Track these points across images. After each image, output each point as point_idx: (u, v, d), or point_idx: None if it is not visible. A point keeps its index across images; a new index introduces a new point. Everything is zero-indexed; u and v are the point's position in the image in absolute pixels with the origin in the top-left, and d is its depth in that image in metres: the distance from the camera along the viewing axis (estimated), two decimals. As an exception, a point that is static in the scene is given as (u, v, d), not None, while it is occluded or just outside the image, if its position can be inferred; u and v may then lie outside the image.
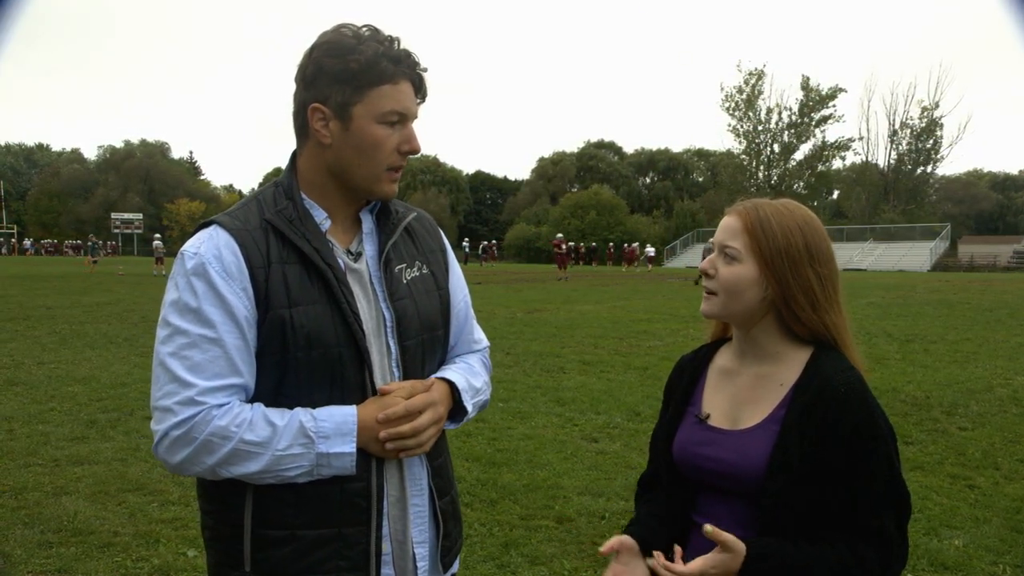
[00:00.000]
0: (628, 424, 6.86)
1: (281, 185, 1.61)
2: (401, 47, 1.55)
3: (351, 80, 1.50)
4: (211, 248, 1.49)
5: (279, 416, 1.47)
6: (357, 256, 1.61)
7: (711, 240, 1.68)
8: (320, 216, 1.58)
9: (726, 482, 1.58)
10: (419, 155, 1.69)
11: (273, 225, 1.53)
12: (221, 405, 1.44)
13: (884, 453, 1.49)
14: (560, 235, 39.31)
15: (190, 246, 1.51)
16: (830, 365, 1.55)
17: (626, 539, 1.61)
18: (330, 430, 1.47)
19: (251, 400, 1.51)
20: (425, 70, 1.60)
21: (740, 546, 1.48)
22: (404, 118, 1.56)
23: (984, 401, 7.89)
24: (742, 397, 1.63)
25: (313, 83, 1.53)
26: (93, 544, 4.21)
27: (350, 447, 1.47)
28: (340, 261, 1.57)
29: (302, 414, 1.47)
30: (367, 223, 1.66)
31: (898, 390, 8.34)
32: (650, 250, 49.84)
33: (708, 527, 1.50)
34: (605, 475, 5.43)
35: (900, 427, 6.66)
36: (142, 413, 7.05)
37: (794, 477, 1.48)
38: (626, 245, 54.36)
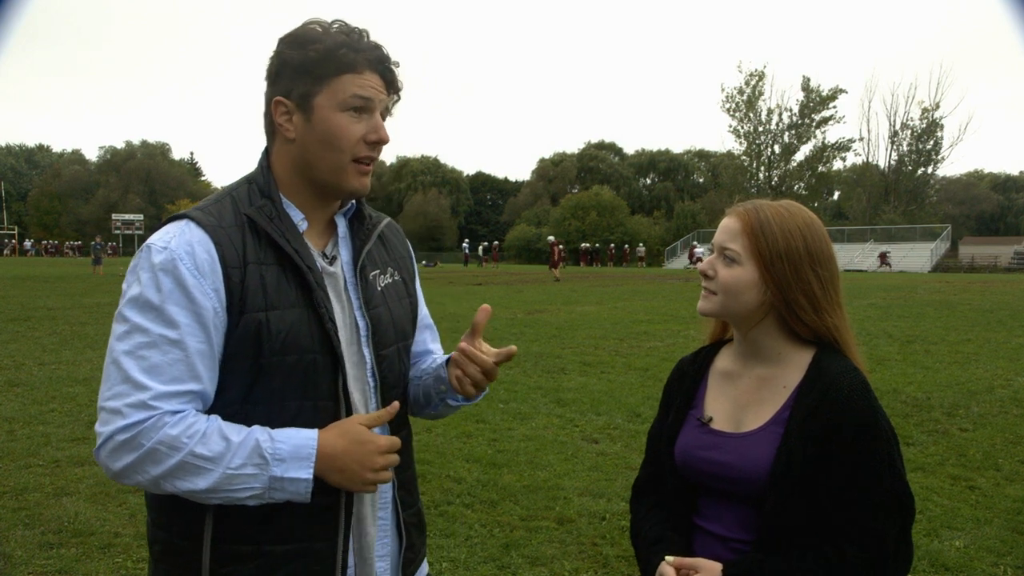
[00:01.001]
0: (629, 425, 6.85)
1: (256, 183, 1.53)
2: (368, 39, 1.50)
3: (312, 70, 1.45)
4: (183, 243, 1.39)
5: (235, 432, 1.37)
6: (332, 259, 1.56)
7: (711, 242, 1.68)
8: (297, 217, 1.52)
9: (729, 485, 1.57)
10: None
11: (252, 221, 1.46)
12: (175, 412, 1.35)
13: (887, 455, 1.49)
14: (552, 237, 40.01)
15: (158, 239, 1.42)
16: (833, 367, 1.54)
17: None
18: (286, 453, 1.37)
19: (214, 407, 1.43)
20: (396, 65, 1.53)
21: (712, 567, 1.50)
22: (369, 104, 1.48)
23: (985, 402, 7.86)
24: (745, 400, 1.62)
25: (277, 77, 1.49)
26: (94, 545, 4.21)
27: (307, 473, 1.38)
28: (318, 264, 1.51)
29: (259, 433, 1.38)
30: (341, 227, 1.61)
31: (899, 391, 8.33)
32: (700, 250, 50.37)
33: (670, 558, 1.53)
34: (606, 476, 5.43)
35: (901, 428, 6.64)
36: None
37: (797, 480, 1.47)
38: (694, 245, 55.47)
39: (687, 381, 1.74)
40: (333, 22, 1.50)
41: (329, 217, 1.59)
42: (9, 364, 9.70)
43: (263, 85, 1.53)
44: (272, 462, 1.36)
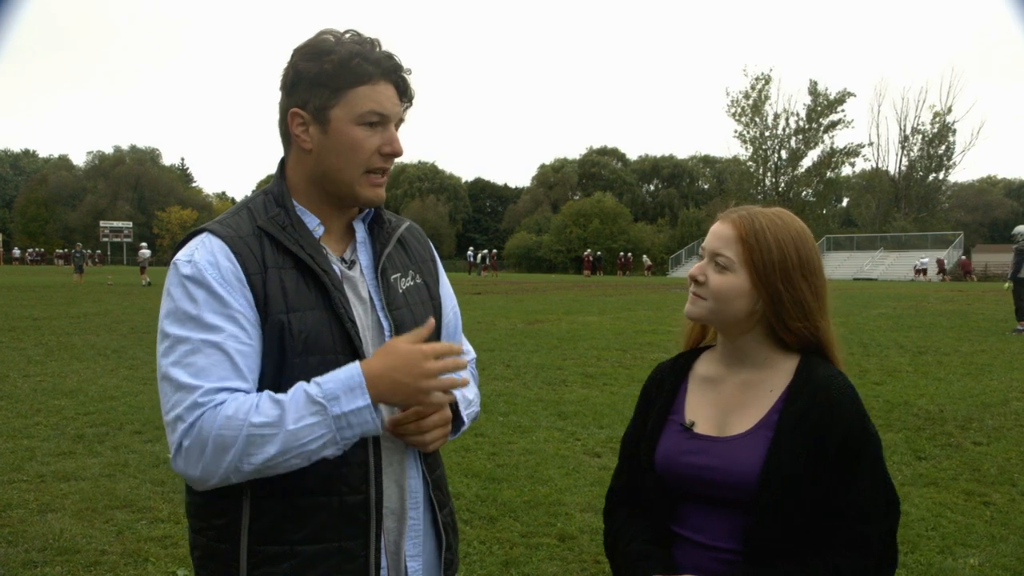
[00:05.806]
0: (632, 437, 6.74)
1: (271, 193, 1.60)
2: (381, 49, 1.54)
3: (328, 82, 1.50)
4: (205, 254, 1.47)
5: (283, 395, 1.42)
6: (351, 264, 1.62)
7: (703, 246, 1.67)
8: (313, 223, 1.58)
9: (715, 491, 1.56)
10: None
11: (267, 232, 1.52)
12: (223, 401, 1.41)
13: (875, 457, 1.52)
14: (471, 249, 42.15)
15: (182, 255, 1.49)
16: (821, 371, 1.57)
17: None
18: (338, 390, 1.40)
19: None
20: (409, 72, 1.58)
21: None
22: (384, 119, 1.54)
23: (1000, 415, 7.74)
24: (729, 404, 1.62)
25: (293, 89, 1.54)
26: (79, 563, 4.13)
27: (364, 400, 1.41)
28: (335, 268, 1.57)
29: (304, 385, 1.42)
30: (360, 232, 1.66)
31: (911, 403, 8.21)
32: None
33: None
34: (608, 491, 5.31)
35: (913, 442, 6.59)
36: (131, 427, 6.97)
37: (788, 482, 1.48)
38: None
39: (666, 387, 1.72)
40: (345, 32, 1.55)
41: (347, 223, 1.65)
42: (-6, 375, 9.62)
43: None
44: (328, 404, 1.39)
